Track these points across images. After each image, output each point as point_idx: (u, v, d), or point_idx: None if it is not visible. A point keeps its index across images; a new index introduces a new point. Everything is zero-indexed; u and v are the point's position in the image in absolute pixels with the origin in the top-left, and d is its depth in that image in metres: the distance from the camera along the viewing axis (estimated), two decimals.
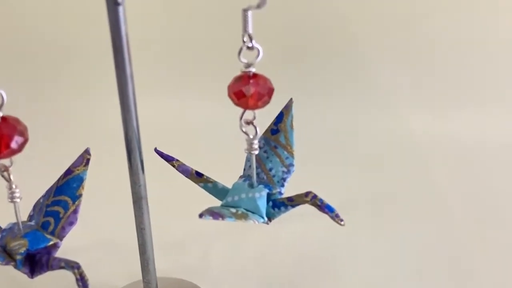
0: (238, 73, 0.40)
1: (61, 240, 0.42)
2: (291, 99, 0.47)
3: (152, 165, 0.49)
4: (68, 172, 0.43)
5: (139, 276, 0.53)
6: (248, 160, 0.47)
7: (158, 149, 0.48)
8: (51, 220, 0.42)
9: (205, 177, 0.47)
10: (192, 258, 0.62)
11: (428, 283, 0.59)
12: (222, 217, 0.41)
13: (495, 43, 0.87)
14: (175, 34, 0.90)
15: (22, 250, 0.40)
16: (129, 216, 0.53)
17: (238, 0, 0.40)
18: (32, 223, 0.43)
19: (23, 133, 0.37)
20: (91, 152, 0.44)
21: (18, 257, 0.40)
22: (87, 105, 0.90)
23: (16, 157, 0.39)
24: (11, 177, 0.39)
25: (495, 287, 0.59)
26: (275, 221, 0.66)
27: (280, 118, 0.47)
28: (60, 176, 0.44)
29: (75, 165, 0.43)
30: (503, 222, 0.68)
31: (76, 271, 0.38)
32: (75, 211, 0.42)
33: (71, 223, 0.42)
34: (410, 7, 0.86)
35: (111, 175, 0.66)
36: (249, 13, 0.38)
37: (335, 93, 0.88)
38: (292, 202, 0.43)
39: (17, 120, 0.37)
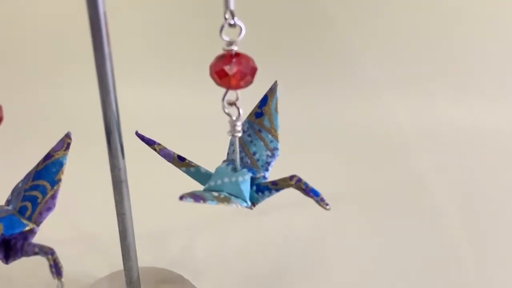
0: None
1: (38, 225, 0.40)
2: (275, 81, 0.46)
3: (133, 152, 0.48)
4: (48, 156, 0.42)
5: (120, 266, 0.52)
6: (231, 144, 0.46)
7: (139, 132, 0.47)
8: (29, 205, 0.41)
9: (187, 161, 0.46)
10: (174, 249, 0.61)
11: (416, 276, 0.58)
12: (204, 200, 0.40)
13: (480, 30, 0.86)
14: (154, 18, 0.89)
15: None
16: (109, 204, 0.53)
17: None
18: (10, 207, 0.41)
19: None
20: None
21: None
22: (67, 91, 0.88)
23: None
24: None
25: (486, 279, 0.58)
26: (260, 213, 0.66)
27: (264, 101, 0.46)
28: (40, 161, 0.42)
29: (55, 149, 0.42)
30: (493, 213, 0.67)
31: (50, 257, 0.37)
32: (53, 197, 0.41)
33: (49, 209, 0.41)
34: None
35: (90, 163, 0.65)
36: None
37: (321, 81, 0.87)
38: (276, 186, 0.42)
39: None
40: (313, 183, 0.60)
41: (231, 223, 0.64)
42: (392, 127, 0.84)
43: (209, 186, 0.44)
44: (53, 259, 0.37)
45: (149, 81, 0.88)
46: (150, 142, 0.46)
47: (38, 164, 0.42)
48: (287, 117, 0.52)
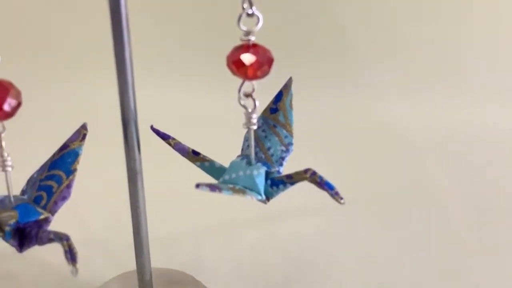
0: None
1: (52, 214, 0.40)
2: (290, 78, 0.46)
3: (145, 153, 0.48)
4: (64, 146, 0.42)
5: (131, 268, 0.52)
6: (245, 139, 0.46)
7: (154, 127, 0.47)
8: (44, 194, 0.41)
9: (202, 156, 0.46)
10: (184, 251, 0.60)
11: (423, 279, 0.58)
12: (220, 189, 0.40)
13: (488, 31, 0.87)
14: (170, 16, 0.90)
15: (12, 221, 0.39)
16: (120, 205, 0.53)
17: None
18: (25, 197, 0.42)
19: (16, 96, 0.36)
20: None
21: (7, 228, 0.39)
22: (84, 84, 0.89)
23: (10, 127, 0.38)
24: (3, 144, 0.38)
25: (493, 283, 0.58)
26: (269, 219, 0.66)
27: (279, 97, 0.46)
28: (56, 151, 0.43)
29: (71, 139, 0.43)
30: (503, 215, 0.67)
31: (65, 242, 0.37)
32: (69, 186, 0.41)
33: (64, 198, 0.41)
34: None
35: (100, 163, 0.66)
36: None
37: (328, 82, 0.88)
38: (291, 179, 0.42)
39: (10, 83, 0.36)
40: (315, 190, 0.60)
41: (241, 228, 0.64)
42: (399, 129, 0.84)
43: (223, 180, 0.44)
44: (68, 244, 0.36)
45: (164, 78, 0.89)
46: (165, 137, 0.46)
47: (54, 155, 0.43)
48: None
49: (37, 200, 0.41)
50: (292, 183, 0.42)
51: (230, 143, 0.50)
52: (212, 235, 0.63)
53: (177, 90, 0.89)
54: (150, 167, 0.50)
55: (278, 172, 0.44)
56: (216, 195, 0.60)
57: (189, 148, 0.46)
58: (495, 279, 0.58)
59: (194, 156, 0.46)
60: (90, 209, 0.65)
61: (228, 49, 0.41)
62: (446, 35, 0.88)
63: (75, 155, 0.42)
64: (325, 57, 0.88)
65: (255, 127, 0.42)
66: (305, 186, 0.54)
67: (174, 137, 0.47)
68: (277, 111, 0.46)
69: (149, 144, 0.47)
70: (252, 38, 0.39)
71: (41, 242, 0.39)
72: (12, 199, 0.40)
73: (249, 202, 0.64)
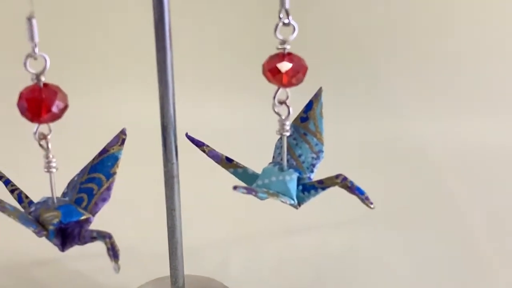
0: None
1: (93, 215, 0.42)
2: (320, 88, 0.48)
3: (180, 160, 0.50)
4: (103, 151, 0.44)
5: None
6: (276, 147, 0.48)
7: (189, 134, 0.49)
8: (85, 196, 0.43)
9: (235, 163, 0.47)
10: (210, 261, 0.62)
11: None
12: (255, 192, 0.42)
13: (509, 52, 0.89)
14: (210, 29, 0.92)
15: (55, 221, 0.40)
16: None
17: None
18: (66, 199, 0.43)
19: (63, 99, 0.38)
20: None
21: (51, 227, 0.40)
22: (123, 92, 0.92)
23: (54, 129, 0.40)
24: (49, 145, 0.40)
25: None
26: (294, 231, 0.67)
27: (309, 106, 0.48)
28: (95, 155, 0.44)
29: (110, 144, 0.44)
30: None
31: (107, 240, 0.38)
32: (109, 188, 0.43)
33: (104, 199, 0.42)
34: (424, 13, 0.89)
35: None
36: None
37: (351, 98, 0.90)
38: (322, 184, 0.44)
39: (58, 87, 0.38)
40: (343, 201, 0.62)
41: (267, 239, 0.65)
42: (422, 145, 0.85)
43: (256, 185, 0.45)
44: (110, 242, 0.38)
45: (196, 88, 0.91)
46: (199, 144, 0.48)
47: (93, 159, 0.44)
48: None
49: (78, 202, 0.42)
50: (323, 188, 0.44)
51: (259, 152, 0.52)
52: (239, 245, 0.64)
53: (210, 101, 0.91)
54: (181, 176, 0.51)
55: (309, 178, 0.46)
56: (245, 205, 0.63)
57: (222, 155, 0.48)
58: None
59: (227, 162, 0.47)
60: (123, 215, 0.66)
61: (260, 59, 0.43)
62: (469, 54, 0.90)
63: (115, 159, 0.44)
64: (351, 74, 0.90)
65: (288, 133, 0.44)
66: (329, 200, 0.56)
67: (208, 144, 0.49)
68: (307, 120, 0.47)
69: (182, 152, 0.49)
70: (288, 47, 0.41)
71: (84, 241, 0.40)
72: (55, 200, 0.42)
73: (275, 214, 0.66)
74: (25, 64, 0.37)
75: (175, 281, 0.48)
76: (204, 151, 0.48)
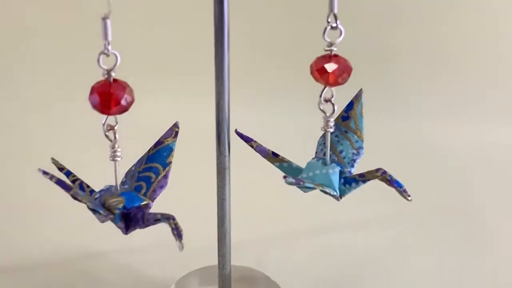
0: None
1: (152, 201, 0.46)
2: (360, 89, 0.51)
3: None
4: (159, 143, 0.48)
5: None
6: (319, 144, 0.51)
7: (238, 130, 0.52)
8: (143, 184, 0.46)
9: (280, 157, 0.51)
10: (250, 255, 0.65)
11: None
12: (303, 181, 0.45)
13: None
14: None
15: (120, 205, 0.44)
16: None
17: None
18: (125, 187, 0.47)
19: (131, 93, 0.42)
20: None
21: (117, 211, 0.44)
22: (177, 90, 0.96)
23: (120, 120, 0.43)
24: (116, 135, 0.43)
25: None
26: (327, 229, 0.70)
27: (350, 106, 0.51)
28: (151, 147, 0.48)
29: (165, 136, 0.48)
30: None
31: (171, 221, 0.42)
32: (165, 176, 0.46)
33: (162, 187, 0.46)
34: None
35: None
36: None
37: (378, 103, 0.92)
38: (363, 177, 0.47)
39: (125, 83, 0.42)
40: (372, 205, 0.65)
41: (302, 236, 0.69)
42: (449, 149, 0.88)
43: (301, 178, 0.49)
44: (174, 223, 0.41)
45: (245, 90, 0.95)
46: (248, 139, 0.51)
47: (149, 150, 0.48)
48: None
49: (137, 189, 0.46)
50: (364, 181, 0.47)
51: (301, 150, 0.55)
52: (276, 241, 0.68)
53: (261, 102, 0.94)
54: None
55: (350, 172, 0.49)
56: (284, 203, 0.67)
57: (269, 150, 0.51)
58: None
59: (273, 157, 0.51)
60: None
61: (305, 63, 0.47)
62: (501, 58, 0.93)
63: (170, 149, 0.47)
64: (377, 78, 0.94)
65: (331, 130, 0.47)
66: (360, 201, 0.60)
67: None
68: (348, 118, 0.51)
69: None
70: (334, 49, 0.44)
71: (147, 223, 0.44)
72: (118, 186, 0.45)
73: (311, 214, 0.70)
74: (98, 60, 0.41)
75: (223, 267, 0.51)
76: (252, 146, 0.51)
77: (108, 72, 0.41)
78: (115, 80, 0.41)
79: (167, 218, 0.42)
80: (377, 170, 0.46)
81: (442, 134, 0.91)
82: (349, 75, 0.45)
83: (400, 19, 0.94)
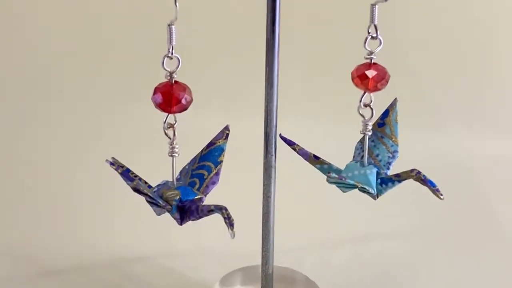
0: None
1: (205, 196, 0.50)
2: (395, 98, 0.55)
3: None
4: (211, 144, 0.52)
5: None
6: (356, 149, 0.55)
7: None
8: (197, 180, 0.50)
9: (321, 159, 0.54)
10: (286, 259, 0.68)
11: None
12: (345, 178, 0.49)
13: None
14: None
15: (177, 197, 0.48)
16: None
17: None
18: (180, 182, 0.51)
19: (190, 93, 0.46)
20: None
21: (174, 203, 0.48)
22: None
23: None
24: (176, 133, 0.47)
25: None
26: (359, 239, 0.74)
27: (386, 114, 0.55)
28: (203, 148, 0.52)
29: (216, 138, 0.52)
30: None
31: (224, 211, 0.46)
32: (217, 173, 0.50)
33: (214, 183, 0.50)
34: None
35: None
36: (376, 7, 0.47)
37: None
38: (399, 177, 0.51)
39: (185, 84, 0.46)
40: (409, 217, 0.68)
41: (337, 245, 0.73)
42: (473, 165, 0.92)
43: None
44: (226, 213, 0.45)
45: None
46: (291, 143, 0.55)
47: (202, 150, 0.52)
48: None
49: (191, 185, 0.50)
50: (400, 181, 0.51)
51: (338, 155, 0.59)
52: (311, 247, 0.72)
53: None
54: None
55: (386, 174, 0.53)
56: (323, 211, 0.70)
57: (310, 153, 0.55)
58: None
59: (315, 159, 0.55)
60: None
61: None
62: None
63: (221, 150, 0.51)
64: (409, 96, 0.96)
65: (370, 133, 0.51)
66: (398, 212, 0.63)
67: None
68: (384, 125, 0.55)
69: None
70: (374, 57, 0.49)
71: (202, 214, 0.48)
72: (174, 180, 0.49)
73: (343, 224, 0.73)
74: (162, 63, 0.45)
75: (266, 263, 0.55)
76: (295, 149, 0.55)
77: (171, 74, 0.46)
78: (176, 81, 0.46)
79: (220, 209, 0.46)
80: (412, 170, 0.50)
81: (472, 148, 0.94)
82: (387, 82, 0.49)
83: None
